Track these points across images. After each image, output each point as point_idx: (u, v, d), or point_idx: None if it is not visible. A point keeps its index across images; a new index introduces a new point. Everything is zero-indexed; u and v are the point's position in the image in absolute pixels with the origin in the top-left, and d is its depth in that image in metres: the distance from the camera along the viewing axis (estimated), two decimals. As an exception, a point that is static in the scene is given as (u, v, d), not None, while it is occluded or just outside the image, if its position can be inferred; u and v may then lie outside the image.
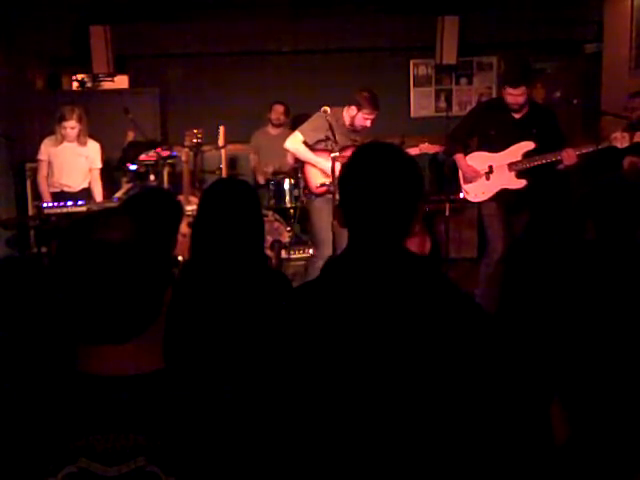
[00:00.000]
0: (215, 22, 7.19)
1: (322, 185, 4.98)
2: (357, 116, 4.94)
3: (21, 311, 2.07)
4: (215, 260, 2.29)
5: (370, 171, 1.56)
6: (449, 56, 7.27)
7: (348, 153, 4.77)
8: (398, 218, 1.55)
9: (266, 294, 2.24)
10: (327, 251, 4.86)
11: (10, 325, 2.04)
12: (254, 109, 6.98)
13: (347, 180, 1.60)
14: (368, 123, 4.95)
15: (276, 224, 6.03)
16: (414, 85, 7.81)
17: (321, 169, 4.98)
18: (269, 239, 5.30)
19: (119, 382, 1.11)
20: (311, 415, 1.47)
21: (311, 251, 5.77)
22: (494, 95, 7.55)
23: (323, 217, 4.93)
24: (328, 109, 4.83)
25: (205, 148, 6.43)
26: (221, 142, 6.06)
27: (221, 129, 6.04)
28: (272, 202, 6.38)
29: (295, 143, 5.05)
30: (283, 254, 6.06)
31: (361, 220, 1.55)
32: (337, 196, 4.96)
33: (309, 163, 5.05)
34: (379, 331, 1.46)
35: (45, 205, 5.22)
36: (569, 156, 4.49)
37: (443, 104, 7.78)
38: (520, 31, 7.32)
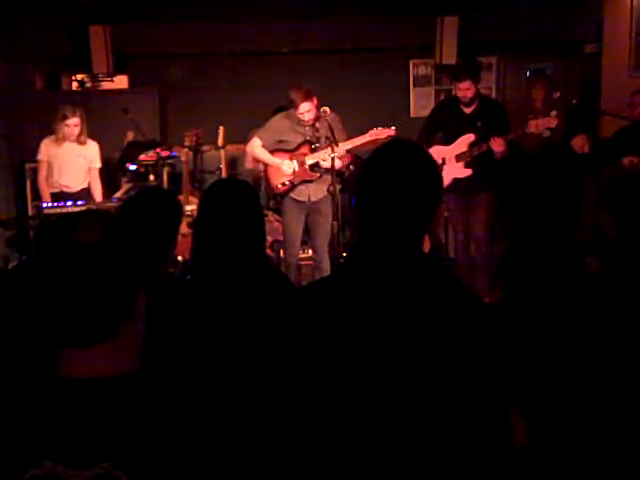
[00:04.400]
0: (215, 22, 7.19)
1: (282, 184, 5.19)
2: (297, 113, 5.04)
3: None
4: (216, 260, 2.29)
5: (389, 171, 1.51)
6: (449, 56, 7.27)
7: (303, 150, 5.11)
8: (416, 219, 1.51)
9: (267, 293, 2.24)
10: (293, 251, 5.23)
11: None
12: (254, 109, 6.98)
13: (365, 180, 1.55)
14: (307, 117, 5.03)
15: (276, 224, 6.03)
16: (414, 85, 7.80)
17: (278, 169, 5.18)
18: (269, 239, 5.30)
19: (88, 385, 1.10)
20: (314, 414, 1.46)
21: (311, 251, 5.78)
22: (494, 95, 7.56)
23: (291, 218, 5.23)
24: (328, 109, 4.85)
25: (205, 148, 6.43)
26: (221, 142, 6.06)
27: (221, 129, 6.04)
28: (272, 202, 6.37)
29: (253, 146, 5.25)
30: (283, 254, 6.06)
31: (378, 220, 1.51)
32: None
33: (269, 164, 5.24)
34: (393, 333, 1.44)
35: (45, 205, 5.21)
36: (496, 143, 4.92)
37: (443, 104, 7.79)
38: (520, 31, 7.32)
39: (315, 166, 5.13)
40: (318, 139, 5.13)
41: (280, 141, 5.17)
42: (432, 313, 1.45)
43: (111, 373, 1.12)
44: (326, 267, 5.24)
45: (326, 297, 1.53)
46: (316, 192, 5.16)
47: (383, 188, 1.50)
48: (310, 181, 5.16)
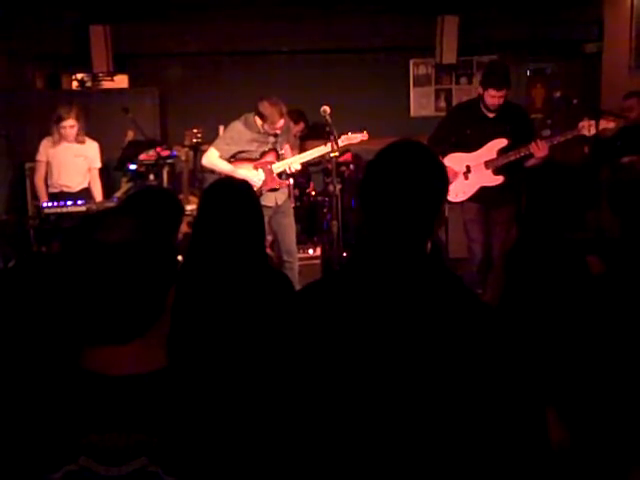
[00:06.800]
0: (215, 22, 7.19)
1: None
2: (264, 126, 4.91)
3: (27, 310, 2.08)
4: (216, 259, 2.29)
5: (395, 171, 1.49)
6: (449, 56, 7.27)
7: (268, 158, 4.94)
8: (422, 220, 1.50)
9: (267, 293, 2.24)
10: None
11: (16, 323, 2.04)
12: (254, 109, 6.98)
13: (370, 179, 1.53)
14: (278, 131, 4.93)
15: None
16: (414, 85, 7.80)
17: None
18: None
19: (122, 381, 1.12)
20: (317, 413, 1.46)
21: (310, 251, 5.78)
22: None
23: None
24: (327, 109, 4.83)
25: (204, 148, 6.41)
26: (220, 142, 6.05)
27: (220, 129, 6.04)
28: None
29: (211, 158, 5.06)
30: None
31: (383, 221, 1.50)
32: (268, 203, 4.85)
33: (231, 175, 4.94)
34: (398, 334, 1.43)
35: (44, 205, 5.21)
36: (539, 148, 4.60)
37: (443, 104, 7.78)
38: (520, 31, 7.33)
39: (283, 174, 5.06)
40: (279, 146, 5.07)
41: (240, 151, 5.02)
42: (437, 315, 1.45)
43: (142, 370, 1.13)
44: (297, 267, 5.14)
45: (330, 298, 1.52)
46: (281, 195, 5.12)
47: (390, 189, 1.48)
48: (277, 188, 5.07)
